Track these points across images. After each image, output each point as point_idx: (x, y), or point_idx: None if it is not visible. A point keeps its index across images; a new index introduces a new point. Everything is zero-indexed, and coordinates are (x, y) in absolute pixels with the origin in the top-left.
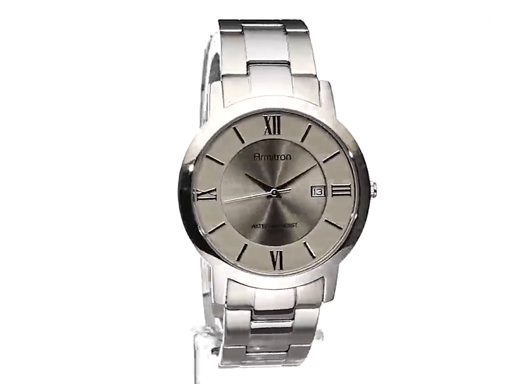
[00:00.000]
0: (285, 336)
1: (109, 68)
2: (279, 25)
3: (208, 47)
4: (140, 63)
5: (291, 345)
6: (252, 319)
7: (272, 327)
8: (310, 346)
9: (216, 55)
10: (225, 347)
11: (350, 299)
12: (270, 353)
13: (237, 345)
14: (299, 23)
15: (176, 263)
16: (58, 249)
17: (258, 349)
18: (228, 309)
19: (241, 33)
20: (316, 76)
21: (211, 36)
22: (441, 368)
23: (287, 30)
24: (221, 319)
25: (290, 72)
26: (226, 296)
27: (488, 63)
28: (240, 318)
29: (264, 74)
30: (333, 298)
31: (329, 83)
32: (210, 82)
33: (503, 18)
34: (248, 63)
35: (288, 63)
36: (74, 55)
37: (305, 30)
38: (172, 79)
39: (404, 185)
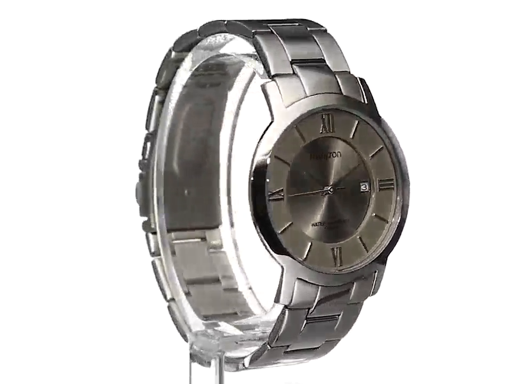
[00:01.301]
0: (328, 332)
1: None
2: (296, 24)
3: (189, 49)
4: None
5: (324, 342)
6: (305, 318)
7: (321, 325)
8: (338, 341)
9: (218, 55)
10: (271, 348)
11: None
12: (302, 352)
13: (281, 346)
14: (312, 22)
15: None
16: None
17: (296, 348)
18: (288, 309)
19: (272, 33)
20: (350, 72)
21: (200, 36)
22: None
23: (308, 28)
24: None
25: (331, 70)
26: (292, 296)
27: None
28: (297, 317)
29: (310, 73)
30: (377, 292)
31: (364, 79)
32: (202, 86)
33: None
34: (291, 62)
35: (324, 60)
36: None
37: (324, 28)
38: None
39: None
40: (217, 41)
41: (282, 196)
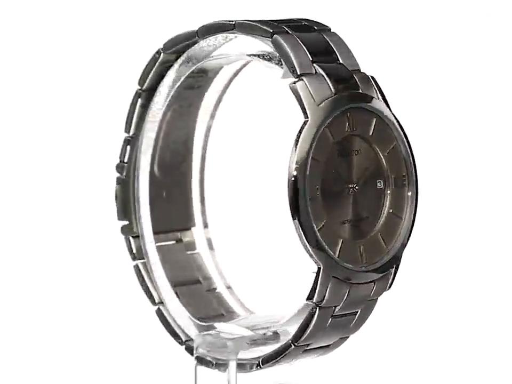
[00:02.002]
0: (344, 329)
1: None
2: (302, 23)
3: (183, 50)
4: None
5: (338, 339)
6: (331, 316)
7: (341, 322)
8: (348, 337)
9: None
10: (295, 346)
11: None
12: (317, 350)
13: (304, 344)
14: (315, 21)
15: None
16: None
17: (315, 346)
18: (319, 308)
19: (288, 33)
20: (360, 70)
21: (199, 37)
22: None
23: (315, 27)
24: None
25: (347, 68)
26: (325, 295)
27: None
28: (325, 315)
29: (332, 72)
30: (391, 287)
31: (374, 77)
32: (190, 88)
33: None
34: (312, 62)
35: (338, 59)
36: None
37: (328, 27)
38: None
39: None
40: (217, 41)
41: (318, 194)
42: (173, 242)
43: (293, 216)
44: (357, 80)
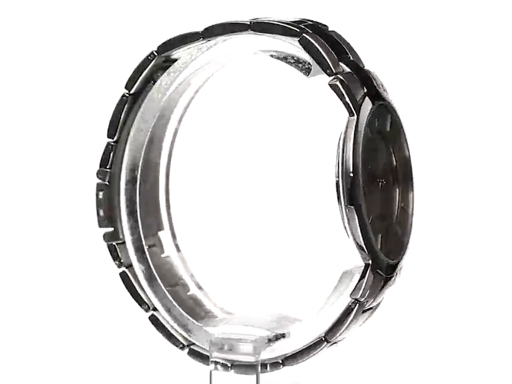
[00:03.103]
0: (361, 322)
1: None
2: (308, 23)
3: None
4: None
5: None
6: (363, 310)
7: (364, 316)
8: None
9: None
10: (327, 342)
11: None
12: (334, 343)
13: (335, 340)
14: (317, 22)
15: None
16: None
17: (338, 340)
18: (358, 303)
19: (312, 33)
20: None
21: (203, 38)
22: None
23: (319, 26)
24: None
25: (361, 66)
26: (368, 290)
27: None
28: (360, 310)
29: (355, 70)
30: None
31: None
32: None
33: None
34: (338, 61)
35: (350, 57)
36: None
37: (327, 27)
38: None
39: None
40: (216, 41)
41: (366, 190)
42: (154, 246)
43: (349, 217)
44: (373, 78)
